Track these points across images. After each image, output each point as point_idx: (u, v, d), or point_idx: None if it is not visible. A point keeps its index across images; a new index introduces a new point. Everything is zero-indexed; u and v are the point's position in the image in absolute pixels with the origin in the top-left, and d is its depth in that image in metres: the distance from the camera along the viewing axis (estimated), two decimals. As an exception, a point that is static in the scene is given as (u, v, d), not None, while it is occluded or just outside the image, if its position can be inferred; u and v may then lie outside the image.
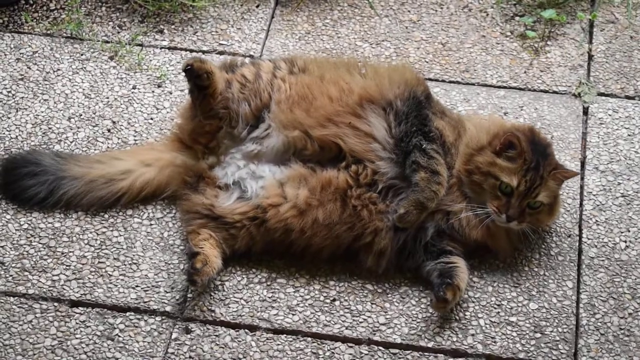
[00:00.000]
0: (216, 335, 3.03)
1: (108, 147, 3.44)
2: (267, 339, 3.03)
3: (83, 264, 3.16)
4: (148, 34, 3.81)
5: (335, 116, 3.19)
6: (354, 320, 3.07)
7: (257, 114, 3.24)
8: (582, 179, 3.40)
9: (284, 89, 3.24)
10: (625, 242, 3.24)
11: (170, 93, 3.61)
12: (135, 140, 3.46)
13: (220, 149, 3.26)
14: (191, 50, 3.75)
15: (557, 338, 3.04)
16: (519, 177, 3.06)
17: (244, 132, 3.24)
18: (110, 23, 3.84)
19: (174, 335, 3.02)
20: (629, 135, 3.52)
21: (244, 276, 3.15)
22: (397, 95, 3.20)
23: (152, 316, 3.06)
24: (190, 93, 3.25)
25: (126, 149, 3.43)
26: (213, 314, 3.07)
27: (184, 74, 3.23)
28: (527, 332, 3.05)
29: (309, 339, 3.04)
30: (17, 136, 3.46)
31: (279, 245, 3.15)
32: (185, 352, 2.99)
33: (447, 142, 3.17)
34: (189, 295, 3.10)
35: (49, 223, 3.25)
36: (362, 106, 3.19)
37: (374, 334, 3.05)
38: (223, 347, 3.01)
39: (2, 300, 3.08)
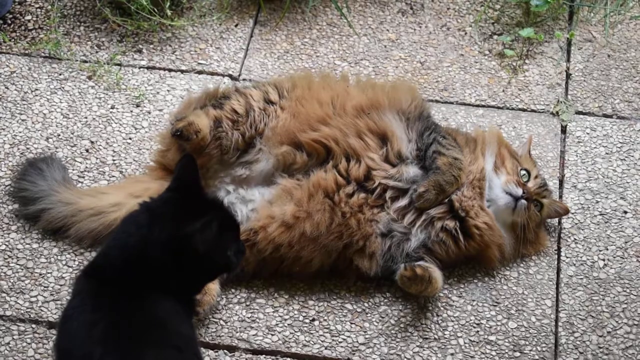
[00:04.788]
0: (195, 356, 3.02)
1: (86, 167, 3.43)
2: (246, 359, 3.02)
3: (61, 285, 3.14)
4: (127, 53, 3.81)
5: (328, 118, 3.20)
6: (333, 340, 3.07)
7: (249, 142, 3.24)
8: (560, 197, 3.41)
9: (279, 116, 3.24)
10: (604, 260, 3.25)
11: (149, 113, 3.60)
12: (114, 160, 3.45)
13: (209, 172, 3.23)
14: (170, 70, 3.74)
15: (537, 357, 3.04)
16: (536, 171, 3.28)
17: (233, 157, 3.23)
18: (89, 42, 3.84)
19: (152, 357, 3.01)
20: (606, 153, 3.53)
21: (223, 296, 3.14)
22: (409, 105, 3.27)
23: (131, 337, 3.05)
24: (179, 148, 3.24)
25: (112, 185, 3.39)
26: (192, 335, 3.06)
27: (173, 137, 3.20)
28: (507, 351, 3.06)
29: (289, 359, 3.03)
30: (-6, 156, 3.45)
31: (271, 263, 3.14)
32: (164, 374, 2.98)
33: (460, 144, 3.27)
34: (167, 316, 3.09)
35: (27, 244, 3.23)
36: (363, 111, 3.23)
37: (354, 354, 3.04)
38: (202, 368, 3.00)
39: (-21, 322, 3.07)
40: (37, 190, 3.26)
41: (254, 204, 3.18)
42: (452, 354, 3.04)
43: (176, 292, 2.48)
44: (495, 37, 3.91)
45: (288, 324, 3.09)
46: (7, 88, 3.67)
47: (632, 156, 3.52)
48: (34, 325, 3.06)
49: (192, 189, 2.55)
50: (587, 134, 3.59)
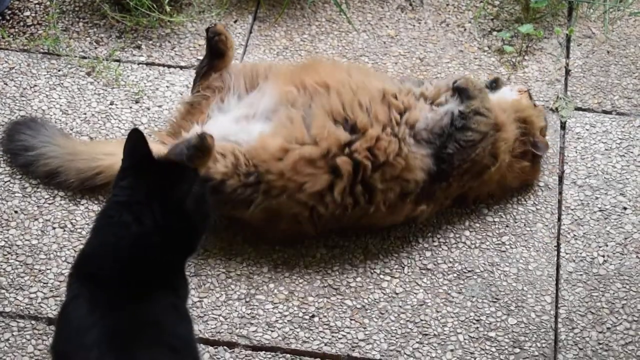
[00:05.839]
0: (195, 353, 3.02)
1: (85, 163, 3.43)
2: (246, 355, 3.02)
3: (60, 282, 3.14)
4: (126, 49, 3.80)
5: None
6: (333, 336, 3.07)
7: (251, 89, 3.34)
8: (560, 193, 3.41)
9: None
10: (603, 256, 3.25)
11: (148, 109, 3.60)
12: (113, 156, 3.45)
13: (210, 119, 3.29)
14: (169, 66, 3.74)
15: (536, 353, 3.04)
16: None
17: (233, 101, 3.29)
18: (88, 39, 3.83)
19: (152, 353, 3.01)
20: (606, 149, 3.53)
21: (222, 292, 3.14)
22: None
23: (130, 334, 3.05)
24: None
25: (113, 139, 3.46)
26: (191, 331, 3.06)
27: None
28: (506, 347, 3.06)
29: (288, 355, 3.03)
30: (-7, 153, 3.45)
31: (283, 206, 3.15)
32: (163, 370, 2.98)
33: None
34: (167, 313, 3.08)
35: (26, 240, 3.23)
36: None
37: (353, 350, 3.04)
38: (202, 365, 3.00)
39: (-22, 319, 3.06)
40: (37, 140, 3.35)
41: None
42: (451, 350, 3.04)
43: (174, 268, 2.52)
44: (494, 33, 3.90)
45: (288, 320, 3.09)
46: (6, 84, 3.66)
47: (632, 152, 3.52)
48: (33, 322, 3.06)
49: (146, 161, 2.56)
50: (587, 130, 3.59)
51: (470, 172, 3.24)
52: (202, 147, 3.00)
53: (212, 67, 3.39)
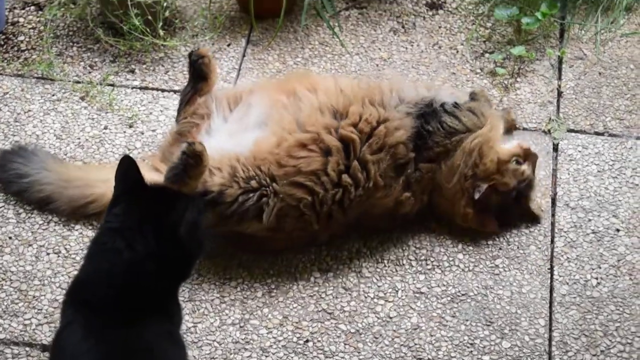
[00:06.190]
0: (189, 378, 3.02)
1: (79, 188, 3.44)
2: (241, 381, 3.03)
3: (55, 308, 3.14)
4: (119, 73, 3.81)
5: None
6: (327, 361, 3.08)
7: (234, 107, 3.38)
8: (553, 215, 3.42)
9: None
10: (597, 278, 3.26)
11: (142, 133, 3.61)
12: (107, 181, 3.45)
13: None
14: (163, 90, 3.75)
15: (530, 376, 3.05)
16: None
17: (219, 122, 3.32)
18: (82, 63, 3.84)
19: (146, 379, 3.01)
20: (598, 171, 3.54)
21: (216, 318, 3.15)
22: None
23: (125, 360, 3.05)
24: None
25: (108, 164, 3.45)
26: (186, 357, 3.06)
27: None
28: (500, 370, 3.07)
29: (283, 380, 3.04)
30: (-12, 178, 3.45)
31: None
32: (158, 396, 2.98)
33: None
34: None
35: (20, 266, 3.23)
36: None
37: (348, 375, 3.05)
38: (196, 390, 3.00)
39: (-27, 346, 3.07)
40: (30, 168, 3.35)
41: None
42: (446, 374, 3.05)
43: (168, 294, 2.53)
44: (486, 55, 3.92)
45: (282, 346, 3.10)
46: (0, 109, 3.67)
47: (624, 174, 3.53)
48: (27, 348, 3.06)
49: (139, 187, 2.56)
50: (579, 151, 3.60)
51: (434, 159, 3.30)
52: (193, 152, 3.03)
53: (196, 91, 3.42)
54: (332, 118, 3.26)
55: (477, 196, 3.28)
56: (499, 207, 3.32)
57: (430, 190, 3.31)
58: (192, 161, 3.05)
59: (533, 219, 3.39)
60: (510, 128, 3.61)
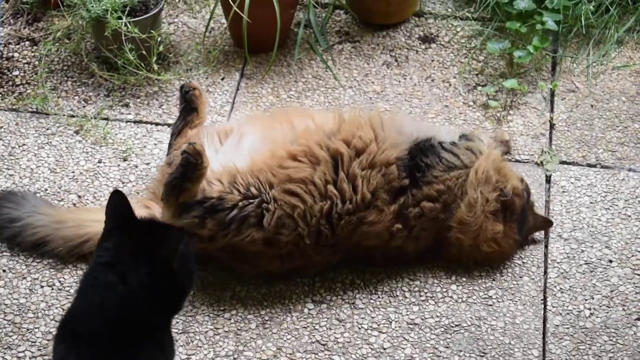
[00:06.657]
0: (183, 410, 3.02)
1: (74, 221, 3.44)
2: (234, 413, 3.02)
3: (48, 340, 3.13)
4: (114, 107, 3.83)
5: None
6: (321, 392, 3.07)
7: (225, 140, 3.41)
8: (546, 247, 3.43)
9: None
10: (590, 309, 3.27)
11: (136, 166, 3.62)
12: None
13: None
14: (157, 124, 3.77)
15: (524, 407, 3.05)
16: None
17: (211, 154, 3.33)
18: (76, 97, 3.86)
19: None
20: (591, 202, 3.55)
21: (210, 349, 3.14)
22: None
23: (118, 392, 3.04)
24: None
25: (98, 207, 3.45)
26: (179, 389, 3.06)
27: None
28: (494, 401, 3.06)
29: (276, 412, 3.03)
30: (-18, 212, 3.46)
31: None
32: None
33: None
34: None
35: (14, 299, 3.23)
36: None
37: (341, 406, 3.05)
38: (190, 422, 3.00)
39: (-34, 378, 3.06)
40: (21, 212, 3.34)
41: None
42: (440, 405, 3.05)
43: (161, 327, 2.53)
44: (479, 88, 3.94)
45: (276, 377, 3.10)
46: (-5, 143, 3.69)
47: (617, 205, 3.55)
48: (21, 381, 3.06)
49: (129, 221, 2.57)
50: (572, 183, 3.62)
51: (436, 199, 3.29)
52: (194, 151, 3.09)
53: (187, 123, 3.45)
54: (326, 137, 3.30)
55: (509, 195, 3.33)
56: (521, 210, 3.38)
57: (439, 231, 3.32)
58: (193, 160, 3.09)
59: (546, 222, 3.44)
60: (508, 151, 3.67)
